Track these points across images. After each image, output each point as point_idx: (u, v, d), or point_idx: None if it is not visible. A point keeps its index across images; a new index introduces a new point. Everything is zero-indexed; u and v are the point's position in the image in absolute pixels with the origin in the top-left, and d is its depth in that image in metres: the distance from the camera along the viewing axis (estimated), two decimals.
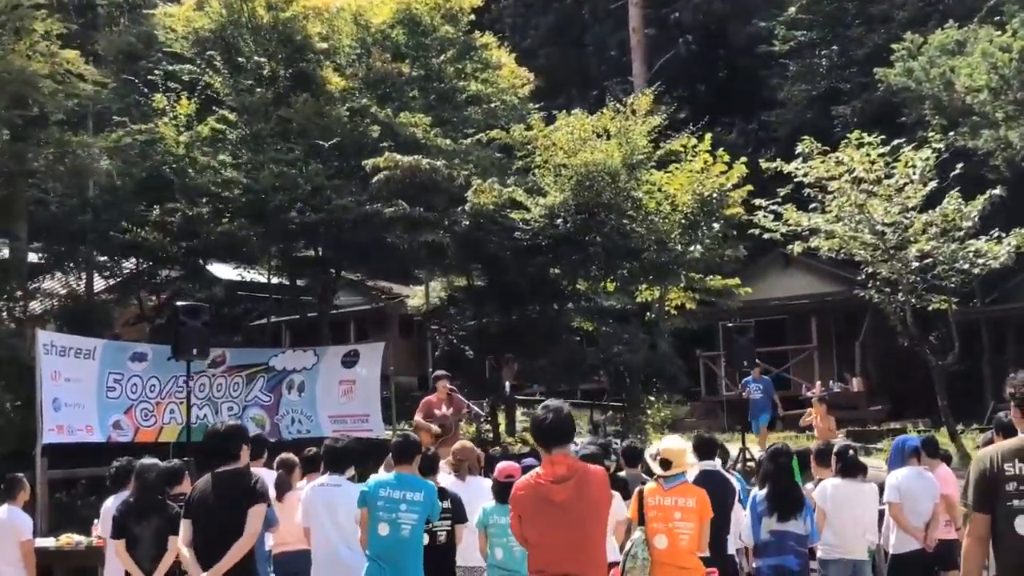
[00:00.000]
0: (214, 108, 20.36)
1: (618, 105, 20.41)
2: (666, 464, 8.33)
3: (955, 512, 10.28)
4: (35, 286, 22.12)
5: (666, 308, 22.20)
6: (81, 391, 17.52)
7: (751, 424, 20.18)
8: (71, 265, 21.43)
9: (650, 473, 11.50)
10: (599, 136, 19.87)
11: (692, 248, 20.36)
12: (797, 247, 22.49)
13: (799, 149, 21.41)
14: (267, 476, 10.67)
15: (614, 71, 42.09)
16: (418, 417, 15.73)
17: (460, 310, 22.42)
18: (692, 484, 8.55)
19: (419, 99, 21.33)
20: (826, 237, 21.57)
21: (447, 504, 9.39)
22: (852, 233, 21.27)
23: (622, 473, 11.47)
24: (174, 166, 19.52)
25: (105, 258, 21.20)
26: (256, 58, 20.45)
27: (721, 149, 20.70)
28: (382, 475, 9.02)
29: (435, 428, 15.32)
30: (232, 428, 7.96)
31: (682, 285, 21.48)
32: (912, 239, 20.84)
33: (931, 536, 10.35)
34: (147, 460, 9.91)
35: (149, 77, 20.61)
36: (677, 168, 21.00)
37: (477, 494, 9.73)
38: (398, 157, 18.53)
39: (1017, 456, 5.70)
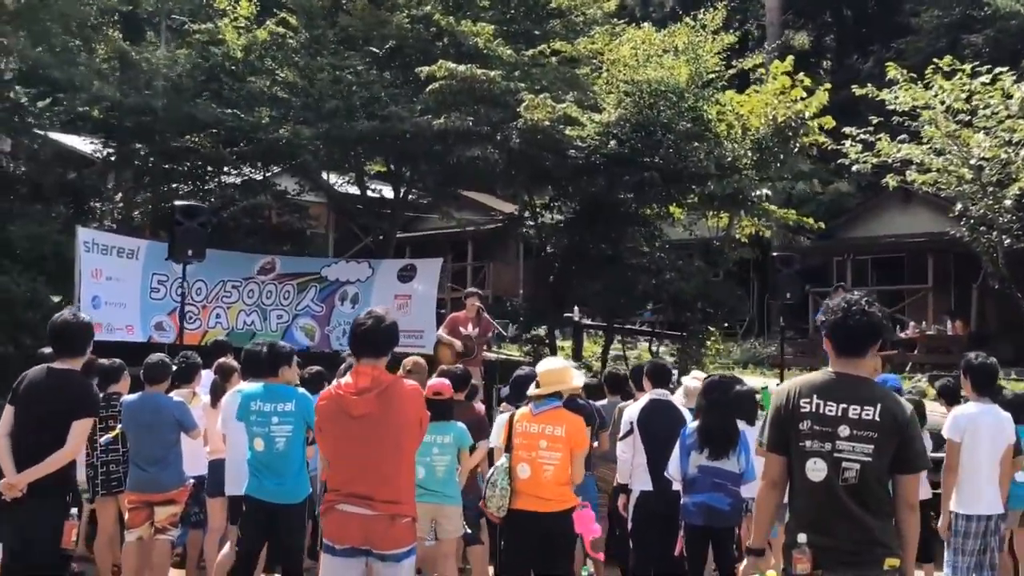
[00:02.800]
0: (275, 11, 20.04)
1: (689, 20, 19.32)
2: (536, 383, 7.71)
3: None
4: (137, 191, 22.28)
5: (736, 237, 21.12)
6: (123, 290, 17.53)
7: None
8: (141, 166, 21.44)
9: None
10: (665, 52, 18.86)
11: (764, 177, 19.25)
12: (892, 180, 21.24)
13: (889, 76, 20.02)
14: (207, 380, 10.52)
15: None
16: (442, 332, 15.40)
17: (519, 230, 21.82)
18: (566, 410, 7.88)
19: (491, 9, 20.56)
20: (919, 170, 20.27)
21: None
22: (949, 167, 19.92)
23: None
24: (232, 69, 19.32)
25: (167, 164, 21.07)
26: None
27: (802, 73, 19.35)
28: (250, 386, 8.62)
29: (458, 344, 14.98)
30: (80, 322, 7.25)
31: (750, 216, 20.27)
32: (1014, 176, 19.38)
33: None
34: None
35: None
36: (756, 91, 19.84)
37: None
38: (453, 66, 17.91)
39: (816, 392, 4.94)
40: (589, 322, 23.61)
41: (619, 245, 19.49)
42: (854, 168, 20.65)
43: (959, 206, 20.22)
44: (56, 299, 17.78)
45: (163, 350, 13.15)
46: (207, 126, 19.29)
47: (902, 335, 24.66)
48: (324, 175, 24.27)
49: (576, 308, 21.95)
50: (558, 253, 20.99)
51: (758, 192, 19.21)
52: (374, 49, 19.06)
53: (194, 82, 19.47)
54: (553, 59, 19.92)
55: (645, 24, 20.19)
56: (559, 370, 7.82)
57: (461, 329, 15.21)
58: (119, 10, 21.66)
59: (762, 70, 20.04)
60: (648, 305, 21.40)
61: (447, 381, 9.13)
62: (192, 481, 9.63)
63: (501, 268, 32.37)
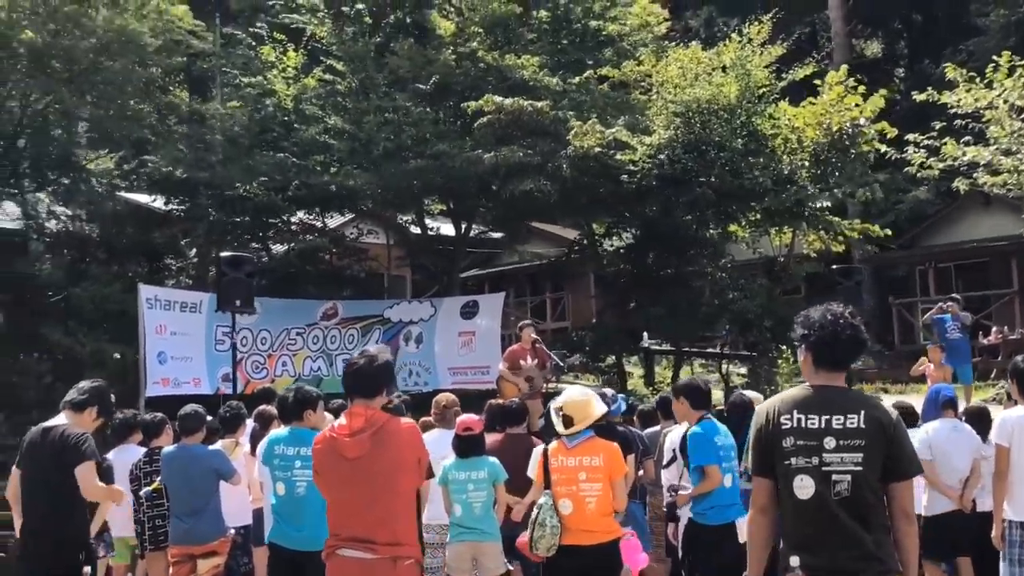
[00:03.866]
0: (321, 59, 20.24)
1: (735, 36, 19.06)
2: (568, 421, 7.48)
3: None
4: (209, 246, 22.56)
5: (802, 252, 20.67)
6: (188, 344, 17.75)
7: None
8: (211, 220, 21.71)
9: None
10: (714, 70, 18.62)
11: (822, 188, 18.86)
12: (961, 184, 20.68)
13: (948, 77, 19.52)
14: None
15: (808, 3, 39.47)
16: (503, 367, 15.11)
17: (583, 259, 21.68)
18: (600, 438, 7.65)
19: (540, 42, 20.52)
20: (988, 172, 19.71)
21: None
22: (1020, 167, 19.34)
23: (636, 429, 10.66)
24: (284, 119, 19.53)
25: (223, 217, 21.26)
26: (357, 5, 20.05)
27: (852, 80, 18.98)
28: (277, 431, 8.54)
29: (523, 385, 14.66)
30: (93, 387, 7.41)
31: (813, 229, 19.81)
32: None
33: (967, 495, 9.20)
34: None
35: (253, 29, 20.62)
36: (812, 102, 19.47)
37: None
38: (499, 99, 17.89)
39: (796, 407, 4.71)
40: (659, 347, 23.28)
41: (681, 268, 19.24)
42: (919, 175, 20.18)
43: None
44: (128, 356, 17.97)
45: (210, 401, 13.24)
46: (265, 176, 19.48)
47: (984, 341, 23.95)
48: (399, 218, 24.36)
49: (645, 334, 21.68)
50: (622, 279, 20.80)
51: (819, 204, 18.77)
52: (421, 87, 19.09)
53: (251, 135, 19.70)
54: (604, 85, 19.79)
55: (693, 43, 19.92)
56: (586, 403, 7.57)
57: (521, 362, 14.91)
58: (182, 70, 22.07)
59: (818, 81, 19.62)
60: (726, 326, 21.05)
61: (476, 416, 8.99)
62: (233, 531, 9.58)
63: (577, 298, 32.17)
